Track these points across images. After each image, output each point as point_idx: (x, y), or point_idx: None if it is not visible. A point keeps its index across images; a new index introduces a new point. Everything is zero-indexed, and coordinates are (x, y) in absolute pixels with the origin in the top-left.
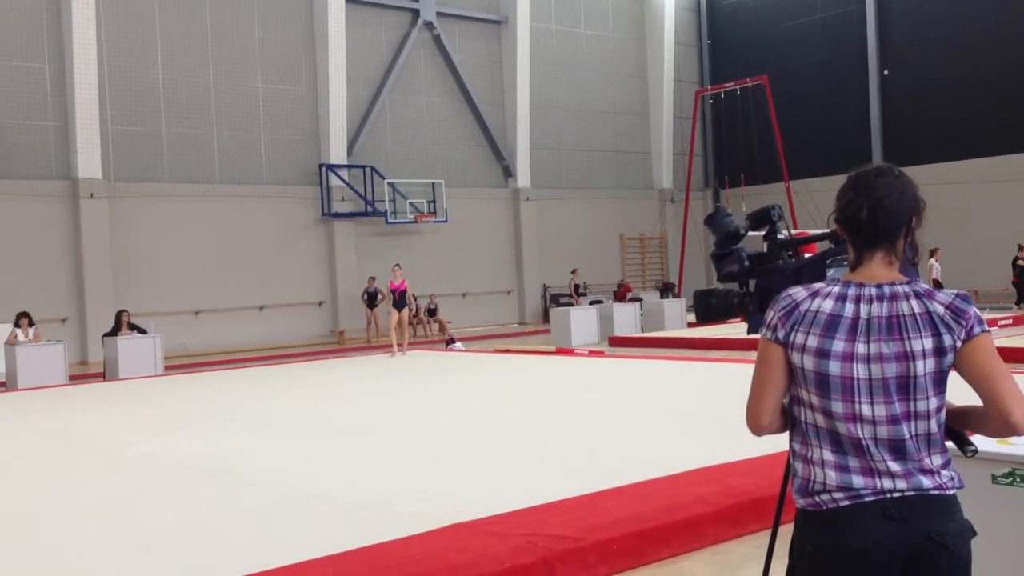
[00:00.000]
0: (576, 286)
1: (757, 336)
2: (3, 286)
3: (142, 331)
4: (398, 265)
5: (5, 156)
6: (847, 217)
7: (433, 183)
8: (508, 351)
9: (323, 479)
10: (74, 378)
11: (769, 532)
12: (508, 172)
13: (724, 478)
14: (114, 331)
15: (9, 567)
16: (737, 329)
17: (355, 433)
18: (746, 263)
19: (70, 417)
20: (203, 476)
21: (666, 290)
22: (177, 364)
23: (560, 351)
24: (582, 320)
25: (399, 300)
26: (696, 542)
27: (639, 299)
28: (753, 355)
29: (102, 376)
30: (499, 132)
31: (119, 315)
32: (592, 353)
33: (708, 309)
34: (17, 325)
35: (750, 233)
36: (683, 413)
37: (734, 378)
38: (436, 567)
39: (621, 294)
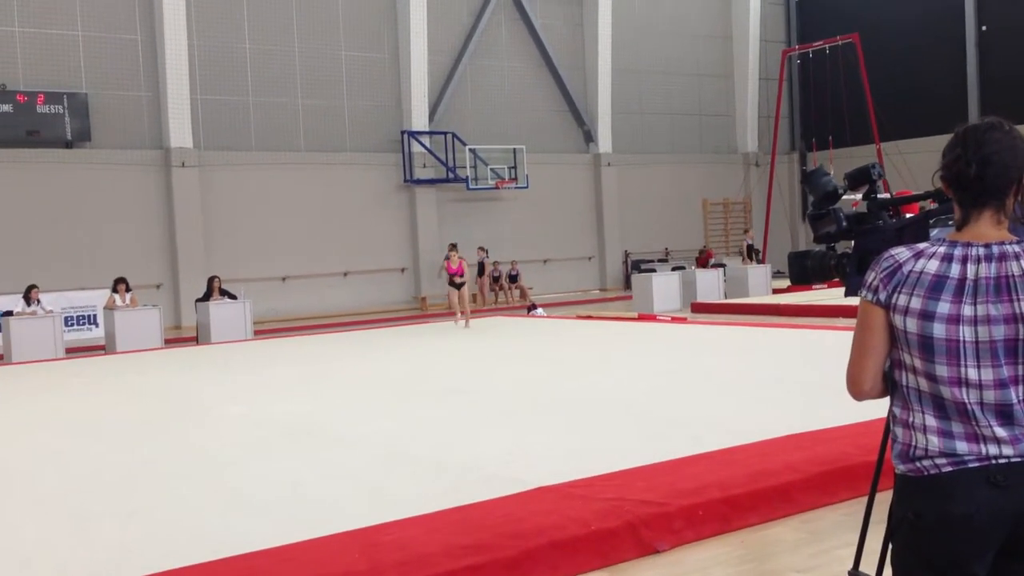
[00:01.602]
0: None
1: (850, 301)
2: (101, 253)
3: (232, 296)
4: (454, 246)
5: (101, 126)
6: (954, 174)
7: (514, 149)
8: (590, 317)
9: (413, 440)
10: (169, 342)
11: (860, 500)
12: (589, 137)
13: (812, 445)
14: (206, 296)
15: (117, 519)
16: (823, 295)
17: (442, 396)
18: (844, 224)
19: (167, 379)
20: (296, 436)
21: (750, 255)
22: (266, 329)
23: (642, 317)
24: (664, 286)
25: (457, 282)
26: (784, 509)
27: (722, 265)
28: (839, 321)
29: (195, 340)
30: (580, 97)
31: (211, 281)
32: (675, 319)
33: (803, 271)
34: (115, 290)
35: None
36: (768, 380)
37: (820, 345)
38: (523, 528)
39: (703, 260)
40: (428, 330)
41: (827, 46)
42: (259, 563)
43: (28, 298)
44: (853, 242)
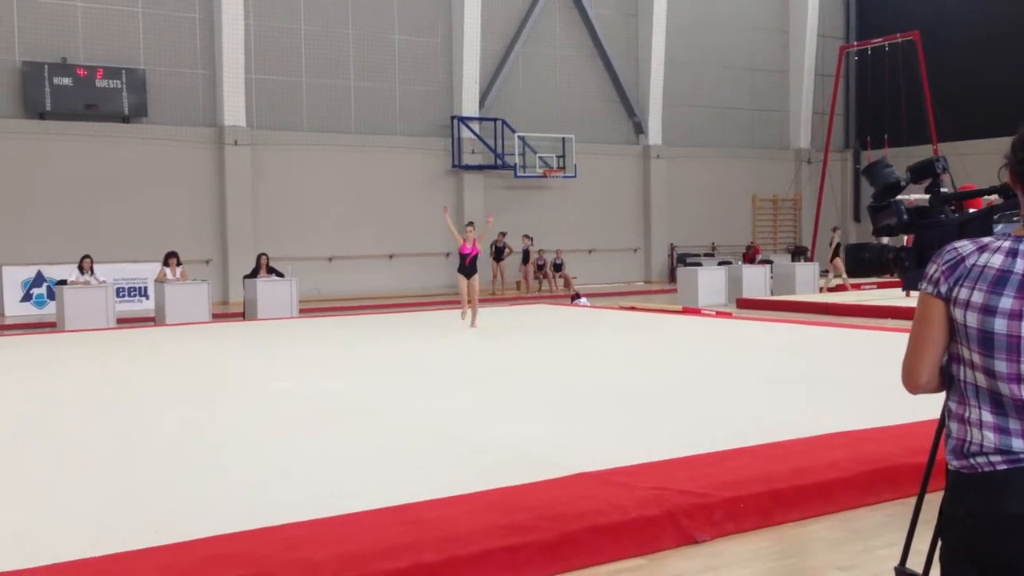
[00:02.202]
0: (839, 245)
1: (900, 302)
2: (154, 227)
3: (280, 274)
4: (471, 224)
5: (158, 102)
6: (1023, 170)
7: (563, 138)
8: (633, 308)
9: (454, 422)
10: (216, 316)
11: (904, 502)
12: (639, 128)
13: (856, 444)
14: (254, 273)
15: (164, 485)
16: (872, 295)
17: (483, 381)
18: (905, 216)
19: (214, 352)
20: (339, 414)
21: (798, 254)
22: (311, 308)
23: (687, 311)
24: (709, 280)
25: (468, 265)
26: (826, 507)
27: (769, 261)
28: (888, 322)
29: (242, 316)
30: (632, 88)
31: (259, 258)
32: (719, 314)
33: (861, 263)
34: (166, 264)
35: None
36: (813, 378)
37: (867, 345)
38: (564, 512)
39: (750, 256)
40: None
41: (886, 43)
42: (300, 534)
43: (82, 268)
44: (913, 236)
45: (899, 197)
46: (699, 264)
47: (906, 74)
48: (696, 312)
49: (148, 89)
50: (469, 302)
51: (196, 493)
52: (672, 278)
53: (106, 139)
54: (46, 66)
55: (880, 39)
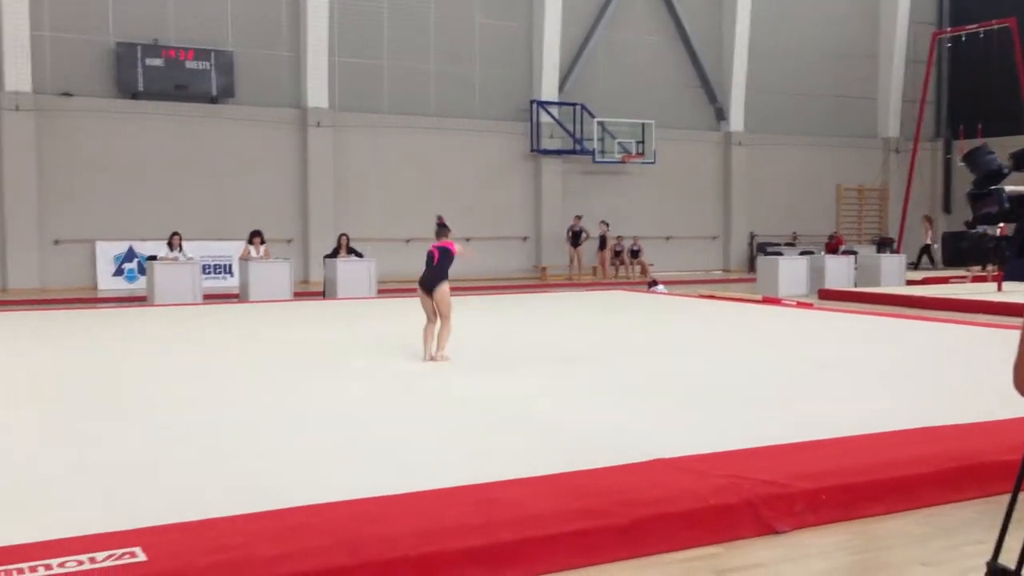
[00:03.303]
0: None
1: (1005, 293)
2: (238, 205)
3: (359, 255)
4: (443, 225)
5: (244, 83)
6: None
7: (643, 123)
8: (712, 297)
9: (527, 405)
10: (297, 295)
11: (990, 500)
12: (721, 115)
13: (941, 440)
14: (334, 253)
15: (247, 458)
16: (960, 289)
17: (558, 365)
18: (1006, 204)
19: (295, 329)
20: (414, 393)
21: (883, 245)
22: (388, 288)
23: (766, 300)
24: (791, 270)
25: (435, 269)
26: (909, 502)
27: (854, 252)
28: (979, 317)
29: (322, 295)
30: (714, 73)
31: (340, 238)
32: (800, 304)
33: (958, 253)
34: (250, 242)
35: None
36: (897, 372)
37: (955, 340)
38: (637, 498)
39: (833, 246)
40: (548, 299)
41: (981, 30)
42: (379, 508)
43: (171, 244)
44: (1014, 225)
45: (1001, 185)
46: (780, 253)
47: (1001, 61)
48: (776, 302)
49: (236, 70)
50: (432, 334)
51: (279, 465)
52: (751, 267)
53: (195, 119)
54: (139, 47)
55: (975, 26)
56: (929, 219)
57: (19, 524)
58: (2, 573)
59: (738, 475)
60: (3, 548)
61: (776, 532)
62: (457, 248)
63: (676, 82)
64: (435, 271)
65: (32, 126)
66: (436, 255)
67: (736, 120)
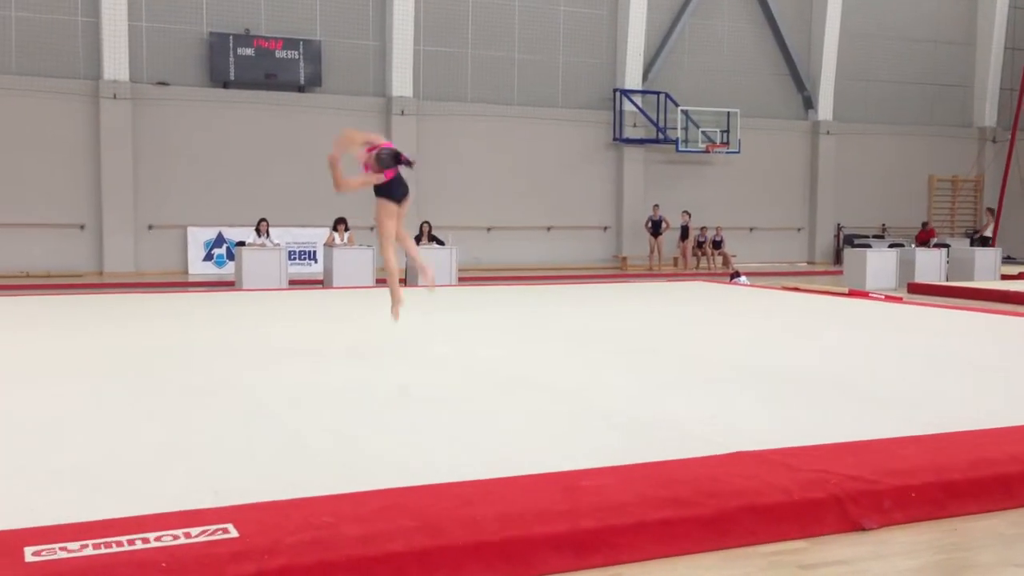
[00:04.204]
0: None
1: None
2: (323, 192)
3: (440, 242)
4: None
5: (331, 72)
6: None
7: (728, 112)
8: (796, 289)
9: (608, 394)
10: (379, 281)
11: None
12: (809, 103)
13: None
14: (416, 240)
15: (330, 438)
16: None
17: (639, 354)
18: None
19: (377, 314)
20: (496, 379)
21: (978, 239)
22: (468, 276)
23: (853, 293)
24: (879, 263)
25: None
26: (1004, 502)
27: (946, 245)
28: None
29: (403, 281)
30: (803, 61)
31: (421, 226)
32: (888, 298)
33: None
34: (335, 229)
35: None
36: (991, 367)
37: None
38: (722, 489)
39: (923, 238)
40: (629, 289)
41: None
42: (463, 492)
43: (259, 230)
44: None
45: None
46: (868, 246)
47: None
48: (863, 295)
49: (323, 60)
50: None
51: (362, 448)
52: (838, 259)
53: (283, 108)
54: (231, 37)
55: None
56: (991, 211)
57: (118, 499)
58: (101, 545)
59: (826, 469)
60: (102, 522)
61: (863, 529)
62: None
63: (762, 70)
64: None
65: (128, 114)
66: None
67: (825, 109)
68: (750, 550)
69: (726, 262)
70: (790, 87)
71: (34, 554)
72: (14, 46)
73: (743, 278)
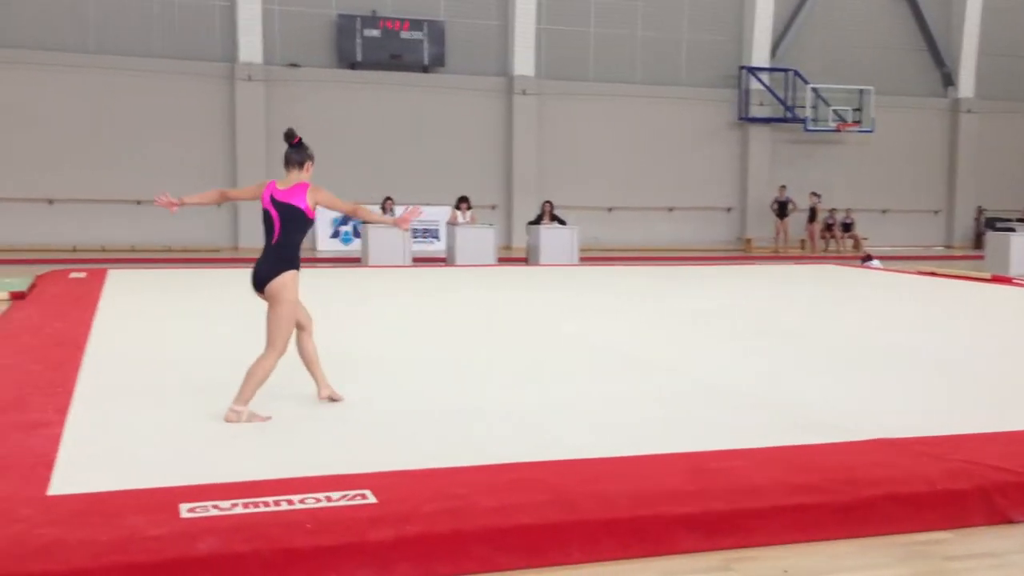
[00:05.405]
0: None
1: None
2: (446, 171)
3: (562, 222)
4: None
5: (454, 52)
6: None
7: (861, 90)
8: (933, 274)
9: (737, 376)
10: (501, 260)
11: None
12: (948, 80)
13: None
14: (538, 220)
15: (467, 414)
16: None
17: (768, 336)
18: None
19: (503, 293)
20: (622, 360)
21: None
22: (589, 256)
23: (996, 279)
24: None
25: (272, 248)
26: None
27: None
28: None
29: (524, 261)
30: (942, 35)
31: (543, 205)
32: None
33: None
34: (457, 208)
35: None
36: None
37: None
38: (858, 477)
39: None
40: (754, 271)
41: None
42: (595, 469)
43: (384, 208)
44: None
45: None
46: (1012, 229)
47: None
48: (1007, 281)
49: (447, 40)
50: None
51: (498, 424)
52: (978, 243)
53: (406, 88)
54: (358, 19)
55: None
56: None
57: (264, 461)
58: (250, 505)
59: (971, 460)
60: (251, 483)
61: (1011, 522)
62: (324, 199)
63: (898, 46)
64: (272, 251)
65: (262, 95)
66: (276, 217)
67: (966, 86)
68: (889, 539)
69: (856, 245)
70: (928, 63)
71: (189, 511)
72: (157, 30)
73: (876, 261)
